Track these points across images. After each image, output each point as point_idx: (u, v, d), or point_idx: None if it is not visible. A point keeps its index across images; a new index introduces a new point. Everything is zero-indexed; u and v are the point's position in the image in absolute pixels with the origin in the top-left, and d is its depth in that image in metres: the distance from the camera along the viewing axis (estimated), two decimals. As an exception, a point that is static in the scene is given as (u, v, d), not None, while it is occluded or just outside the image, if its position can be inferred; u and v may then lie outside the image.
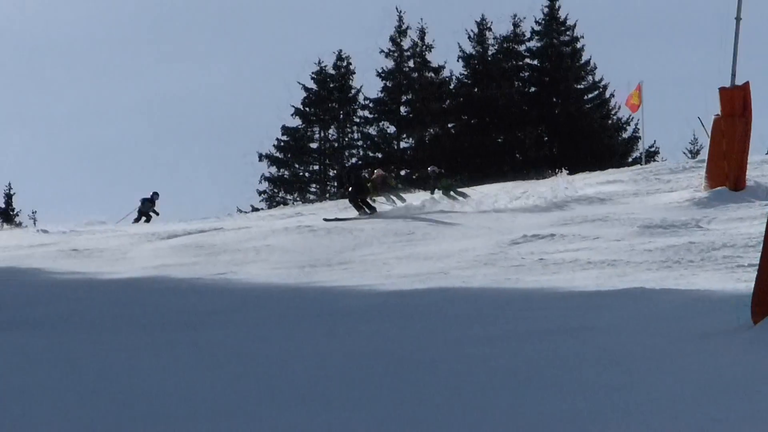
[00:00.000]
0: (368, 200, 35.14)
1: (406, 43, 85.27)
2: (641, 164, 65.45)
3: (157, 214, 43.40)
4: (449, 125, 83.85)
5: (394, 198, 44.19)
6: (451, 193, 39.60)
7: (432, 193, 40.80)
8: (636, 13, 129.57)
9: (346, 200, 38.59)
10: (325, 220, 32.96)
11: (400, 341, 21.64)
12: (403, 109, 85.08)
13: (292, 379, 17.50)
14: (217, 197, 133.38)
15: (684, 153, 79.71)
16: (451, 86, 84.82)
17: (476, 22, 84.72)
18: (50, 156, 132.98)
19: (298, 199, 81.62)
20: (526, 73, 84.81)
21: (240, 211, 76.23)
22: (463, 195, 39.18)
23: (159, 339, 22.25)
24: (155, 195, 44.20)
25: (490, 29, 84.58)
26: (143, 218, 42.82)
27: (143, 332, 23.95)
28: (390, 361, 19.25)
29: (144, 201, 44.38)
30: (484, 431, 13.87)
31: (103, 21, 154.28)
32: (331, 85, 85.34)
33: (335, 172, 67.46)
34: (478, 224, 41.92)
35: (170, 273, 36.19)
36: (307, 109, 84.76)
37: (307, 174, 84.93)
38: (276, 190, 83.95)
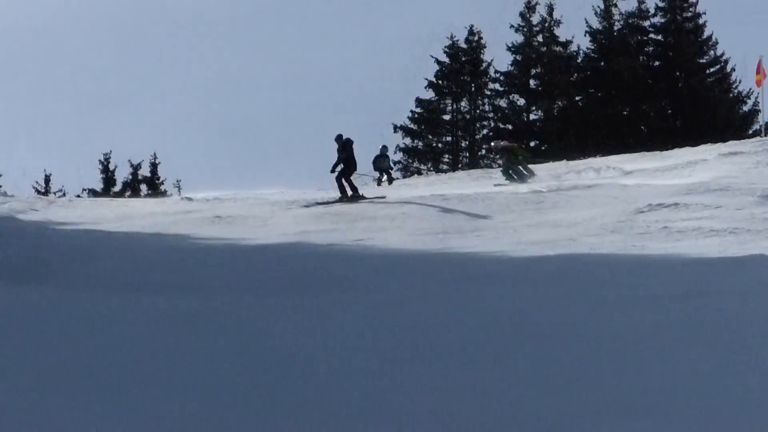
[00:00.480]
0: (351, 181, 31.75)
1: (535, 19, 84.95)
2: (761, 136, 64.68)
3: (392, 168, 39.93)
4: (577, 98, 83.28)
5: (521, 169, 42.10)
6: (520, 168, 37.05)
7: (508, 170, 37.57)
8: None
9: (468, 171, 35.61)
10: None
11: (538, 305, 21.50)
12: (532, 82, 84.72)
13: (434, 341, 17.44)
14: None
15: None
16: (579, 60, 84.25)
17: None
18: (193, 127, 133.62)
19: (431, 168, 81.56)
20: (650, 48, 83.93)
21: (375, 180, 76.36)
22: (531, 172, 36.52)
23: (300, 301, 22.27)
24: (384, 148, 40.46)
25: (615, 5, 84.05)
26: (384, 175, 39.05)
27: (285, 295, 24.00)
28: (530, 323, 19.13)
29: (376, 158, 41.06)
30: (631, 391, 13.71)
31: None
32: (463, 59, 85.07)
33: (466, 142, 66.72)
34: (604, 193, 41.65)
35: (310, 239, 36.27)
36: (440, 81, 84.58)
37: (440, 145, 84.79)
38: (410, 161, 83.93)
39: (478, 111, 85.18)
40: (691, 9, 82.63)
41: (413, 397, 13.99)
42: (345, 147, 29.37)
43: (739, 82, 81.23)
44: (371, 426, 12.71)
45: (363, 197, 29.57)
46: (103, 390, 13.59)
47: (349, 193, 28.01)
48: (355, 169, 29.20)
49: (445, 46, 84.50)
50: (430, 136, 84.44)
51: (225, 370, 15.00)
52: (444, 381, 14.80)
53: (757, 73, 59.46)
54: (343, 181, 27.87)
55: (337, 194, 28.63)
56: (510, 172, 38.57)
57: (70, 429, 11.99)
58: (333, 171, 29.48)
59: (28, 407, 12.63)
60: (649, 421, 12.82)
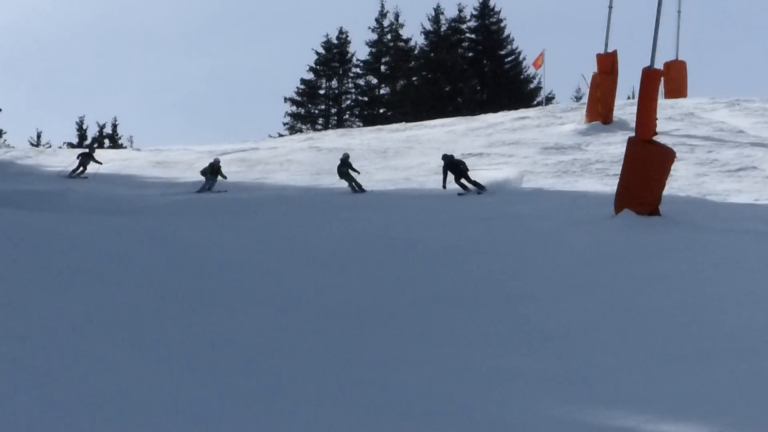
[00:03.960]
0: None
1: (385, 22, 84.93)
2: (542, 105, 65.55)
3: (100, 163, 37.49)
4: (413, 78, 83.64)
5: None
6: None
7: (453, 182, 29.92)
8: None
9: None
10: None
11: (386, 223, 21.86)
12: (382, 67, 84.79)
13: (307, 250, 17.72)
14: (255, 125, 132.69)
15: (571, 98, 79.44)
16: (415, 52, 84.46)
17: (434, 8, 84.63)
18: (144, 97, 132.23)
19: (309, 128, 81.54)
20: (466, 44, 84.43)
21: (270, 136, 76.16)
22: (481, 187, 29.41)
23: (216, 220, 22.49)
24: (92, 148, 37.71)
25: (443, 13, 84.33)
26: (81, 168, 36.56)
27: (197, 217, 24.19)
28: (383, 238, 19.47)
29: (82, 155, 38.32)
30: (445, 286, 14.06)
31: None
32: (334, 51, 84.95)
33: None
34: (431, 147, 41.92)
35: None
36: (318, 66, 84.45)
37: (316, 111, 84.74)
38: (295, 122, 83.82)
39: (344, 87, 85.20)
40: (496, 16, 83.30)
41: (291, 285, 14.34)
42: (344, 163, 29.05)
43: (528, 68, 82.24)
44: (257, 303, 13.05)
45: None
46: (79, 274, 13.83)
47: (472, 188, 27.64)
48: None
49: (322, 42, 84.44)
50: (310, 105, 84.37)
51: (155, 264, 15.25)
52: (313, 277, 15.16)
53: (537, 60, 60.24)
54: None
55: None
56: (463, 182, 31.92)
57: (60, 311, 12.19)
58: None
59: (33, 293, 12.81)
60: (460, 307, 13.25)
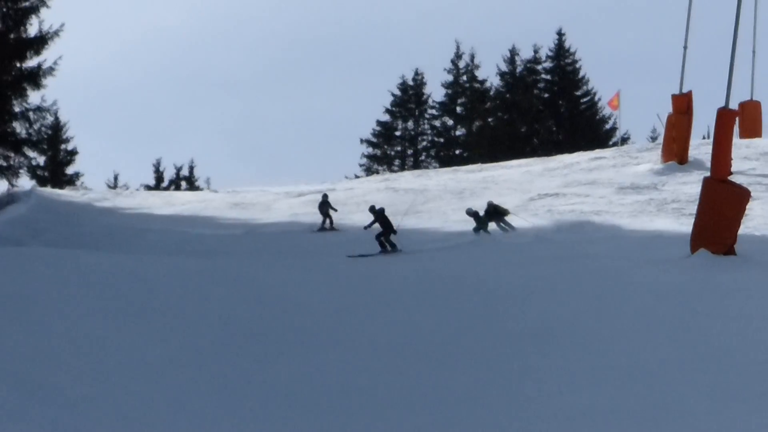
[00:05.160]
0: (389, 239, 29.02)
1: (461, 64, 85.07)
2: (618, 145, 65.16)
3: (335, 210, 35.89)
4: (489, 119, 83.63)
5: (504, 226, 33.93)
6: (501, 224, 30.33)
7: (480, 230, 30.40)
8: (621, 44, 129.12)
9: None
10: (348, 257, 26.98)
11: (464, 266, 21.81)
12: (458, 108, 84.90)
13: (385, 286, 17.75)
14: (331, 167, 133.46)
15: (647, 138, 78.98)
16: (491, 93, 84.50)
17: (509, 50, 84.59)
18: (219, 139, 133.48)
19: (386, 169, 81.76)
20: (542, 84, 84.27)
21: (346, 177, 76.56)
22: (511, 227, 29.84)
23: (296, 261, 22.63)
24: (325, 196, 36.75)
25: (518, 54, 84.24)
26: (326, 219, 35.13)
27: (275, 258, 24.33)
28: (461, 279, 19.45)
29: (321, 204, 37.07)
30: (530, 324, 14.04)
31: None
32: (410, 92, 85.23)
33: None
34: (508, 186, 41.86)
35: (300, 219, 36.46)
36: (394, 108, 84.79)
37: (392, 152, 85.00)
38: (372, 163, 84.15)
39: (420, 128, 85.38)
40: (571, 56, 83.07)
41: (370, 325, 14.31)
42: (377, 215, 28.67)
43: (603, 108, 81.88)
44: (335, 343, 13.06)
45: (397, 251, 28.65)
46: (158, 315, 13.98)
47: (388, 248, 27.37)
48: (391, 230, 28.07)
49: (397, 84, 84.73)
50: (386, 147, 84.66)
51: (230, 306, 15.36)
52: (393, 318, 15.14)
53: (613, 101, 59.94)
54: (382, 239, 27.14)
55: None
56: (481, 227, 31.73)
57: (128, 345, 12.34)
58: (366, 228, 28.85)
59: (98, 331, 12.96)
60: (539, 345, 13.25)
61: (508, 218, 30.94)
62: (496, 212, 30.89)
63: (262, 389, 10.72)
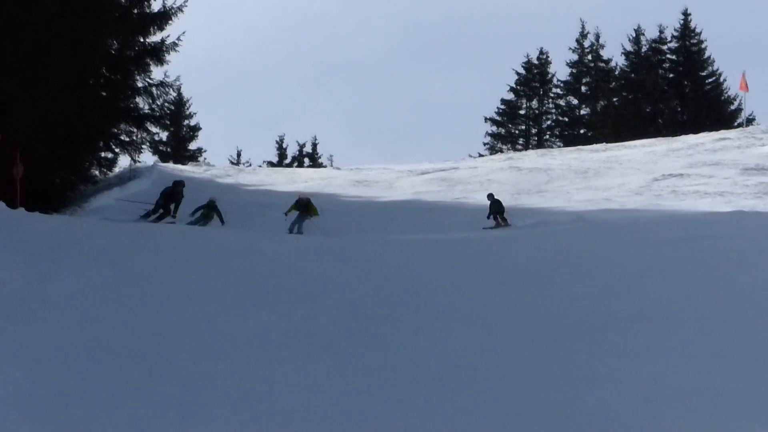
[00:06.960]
0: None
1: (586, 43, 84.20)
2: (743, 127, 63.70)
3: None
4: (614, 99, 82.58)
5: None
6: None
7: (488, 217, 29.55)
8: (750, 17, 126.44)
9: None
10: None
11: (580, 243, 21.44)
12: (583, 88, 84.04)
13: (500, 264, 17.48)
14: (455, 145, 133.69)
15: (771, 119, 77.37)
16: (616, 72, 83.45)
17: (634, 29, 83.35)
18: (342, 117, 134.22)
19: (509, 148, 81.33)
20: (667, 65, 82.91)
21: (470, 155, 76.22)
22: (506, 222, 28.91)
23: (416, 239, 22.46)
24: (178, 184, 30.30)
25: (643, 34, 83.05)
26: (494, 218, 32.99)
27: (405, 234, 24.18)
28: (583, 257, 19.12)
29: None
30: (638, 304, 13.70)
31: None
32: (535, 71, 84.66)
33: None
34: (632, 166, 41.30)
35: (423, 198, 36.39)
36: (518, 87, 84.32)
37: (516, 131, 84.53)
38: (495, 142, 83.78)
39: (544, 108, 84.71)
40: (696, 37, 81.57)
41: (485, 305, 14.05)
42: (493, 203, 28.29)
43: (729, 89, 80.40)
44: (451, 319, 12.86)
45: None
46: (277, 293, 13.89)
47: (502, 223, 27.16)
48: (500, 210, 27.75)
49: (522, 62, 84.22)
50: (510, 125, 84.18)
51: (350, 284, 15.18)
52: (509, 297, 14.86)
53: (742, 83, 58.88)
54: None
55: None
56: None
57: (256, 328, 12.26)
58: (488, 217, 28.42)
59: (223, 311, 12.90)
60: (655, 326, 12.89)
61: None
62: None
63: (381, 364, 10.54)
